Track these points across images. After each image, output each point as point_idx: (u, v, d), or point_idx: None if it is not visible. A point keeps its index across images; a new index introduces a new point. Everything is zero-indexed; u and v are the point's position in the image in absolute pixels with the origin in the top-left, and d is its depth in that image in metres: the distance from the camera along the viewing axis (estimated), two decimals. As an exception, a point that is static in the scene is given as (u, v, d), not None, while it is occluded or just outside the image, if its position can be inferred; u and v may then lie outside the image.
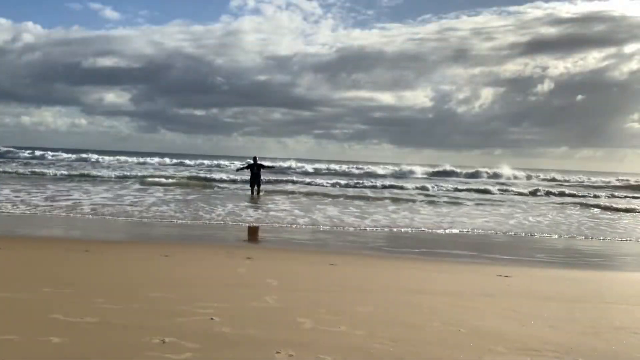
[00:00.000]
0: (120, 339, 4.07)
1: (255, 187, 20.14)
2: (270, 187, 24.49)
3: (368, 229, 12.91)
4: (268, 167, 21.65)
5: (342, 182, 28.99)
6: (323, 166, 42.95)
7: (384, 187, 28.35)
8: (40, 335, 4.04)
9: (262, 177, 20.69)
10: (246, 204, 17.43)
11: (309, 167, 41.47)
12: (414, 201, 21.13)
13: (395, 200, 21.32)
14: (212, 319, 4.68)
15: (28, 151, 47.37)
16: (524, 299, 6.07)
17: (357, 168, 43.03)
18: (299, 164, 43.42)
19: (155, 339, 4.08)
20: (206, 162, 45.92)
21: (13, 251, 7.89)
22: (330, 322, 4.73)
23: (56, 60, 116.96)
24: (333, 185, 27.81)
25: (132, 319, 4.59)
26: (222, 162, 45.22)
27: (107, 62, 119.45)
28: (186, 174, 30.25)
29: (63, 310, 4.70)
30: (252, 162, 20.21)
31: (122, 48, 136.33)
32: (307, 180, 29.47)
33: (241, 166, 22.18)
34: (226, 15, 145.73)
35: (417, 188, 28.14)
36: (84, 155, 44.49)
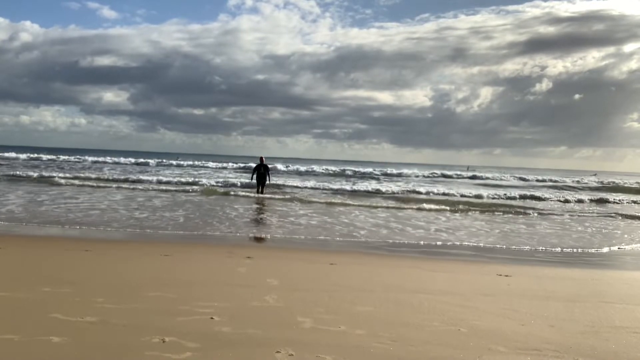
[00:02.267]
0: (120, 338, 4.08)
1: (261, 187, 20.80)
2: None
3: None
4: (269, 170, 21.45)
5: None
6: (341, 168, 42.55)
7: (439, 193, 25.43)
8: (40, 335, 4.05)
9: (268, 178, 21.02)
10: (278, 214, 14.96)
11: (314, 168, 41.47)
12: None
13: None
14: (212, 318, 4.69)
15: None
16: (524, 298, 6.08)
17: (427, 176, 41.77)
18: (296, 165, 43.58)
19: (155, 338, 4.09)
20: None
21: (13, 251, 7.90)
22: (330, 322, 4.73)
23: (54, 60, 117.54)
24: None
25: (132, 318, 4.59)
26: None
27: (105, 61, 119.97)
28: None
29: (63, 310, 4.71)
30: (259, 162, 20.82)
31: (119, 47, 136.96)
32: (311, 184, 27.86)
33: (252, 174, 21.35)
34: (224, 14, 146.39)
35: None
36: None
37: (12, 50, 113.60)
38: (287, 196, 20.90)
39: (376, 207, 18.25)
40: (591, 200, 25.44)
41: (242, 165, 43.71)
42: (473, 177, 42.75)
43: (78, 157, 47.74)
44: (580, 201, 25.13)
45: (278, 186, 25.57)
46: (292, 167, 42.74)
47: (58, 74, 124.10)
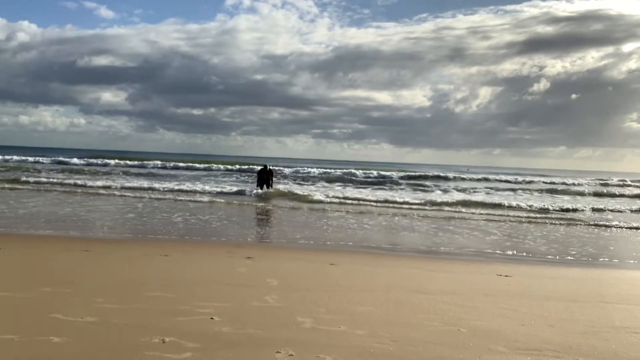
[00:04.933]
0: (120, 338, 4.08)
1: (265, 186, 22.18)
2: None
3: None
4: (272, 176, 23.02)
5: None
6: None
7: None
8: (40, 335, 4.05)
9: (270, 183, 22.45)
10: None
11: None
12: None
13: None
14: (212, 318, 4.69)
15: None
16: (523, 298, 6.08)
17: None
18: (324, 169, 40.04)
19: (155, 338, 4.08)
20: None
21: (13, 251, 7.89)
22: (330, 322, 4.73)
23: (52, 59, 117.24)
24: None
25: (132, 318, 4.59)
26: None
27: (102, 61, 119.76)
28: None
29: (63, 310, 4.70)
30: (262, 167, 22.98)
31: (117, 47, 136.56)
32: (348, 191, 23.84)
33: (257, 183, 22.83)
34: (221, 13, 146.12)
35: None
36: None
37: (9, 50, 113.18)
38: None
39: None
40: None
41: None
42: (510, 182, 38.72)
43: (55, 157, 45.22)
44: None
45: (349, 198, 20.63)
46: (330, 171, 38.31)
47: (56, 74, 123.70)
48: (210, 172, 37.58)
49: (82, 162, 42.71)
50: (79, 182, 23.70)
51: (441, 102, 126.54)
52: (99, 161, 43.54)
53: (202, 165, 40.65)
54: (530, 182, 38.68)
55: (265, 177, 22.34)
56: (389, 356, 3.98)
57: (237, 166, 40.67)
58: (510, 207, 19.34)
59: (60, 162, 42.20)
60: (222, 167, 40.57)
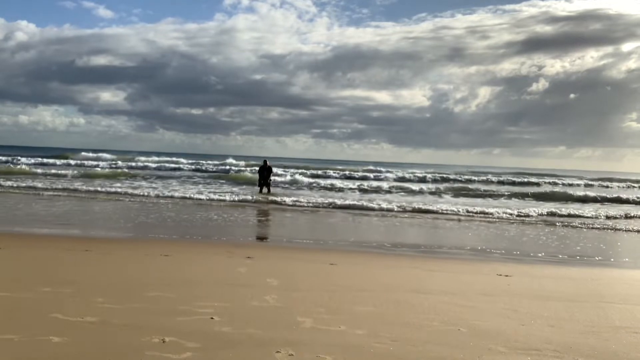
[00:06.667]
0: (120, 338, 4.08)
1: (265, 188, 21.50)
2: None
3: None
4: (272, 173, 22.34)
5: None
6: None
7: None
8: (40, 335, 4.05)
9: (270, 180, 21.91)
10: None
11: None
12: None
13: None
14: (212, 318, 4.69)
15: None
16: (524, 298, 6.08)
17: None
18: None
19: (155, 338, 4.09)
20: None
21: (13, 251, 7.89)
22: (330, 322, 4.73)
23: (51, 59, 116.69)
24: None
25: (132, 318, 4.59)
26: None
27: (101, 60, 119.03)
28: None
29: (63, 310, 4.71)
30: (262, 164, 21.74)
31: (116, 46, 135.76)
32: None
33: (258, 179, 22.16)
34: (220, 13, 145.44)
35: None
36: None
37: (7, 50, 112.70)
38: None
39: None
40: None
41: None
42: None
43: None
44: None
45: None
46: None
47: (55, 74, 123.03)
48: (209, 172, 36.95)
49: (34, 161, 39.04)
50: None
51: (440, 102, 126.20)
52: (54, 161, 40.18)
53: (194, 167, 39.50)
54: (531, 183, 38.51)
55: (265, 174, 21.36)
56: (389, 356, 3.98)
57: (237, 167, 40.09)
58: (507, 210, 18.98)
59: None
60: (220, 167, 40.00)
